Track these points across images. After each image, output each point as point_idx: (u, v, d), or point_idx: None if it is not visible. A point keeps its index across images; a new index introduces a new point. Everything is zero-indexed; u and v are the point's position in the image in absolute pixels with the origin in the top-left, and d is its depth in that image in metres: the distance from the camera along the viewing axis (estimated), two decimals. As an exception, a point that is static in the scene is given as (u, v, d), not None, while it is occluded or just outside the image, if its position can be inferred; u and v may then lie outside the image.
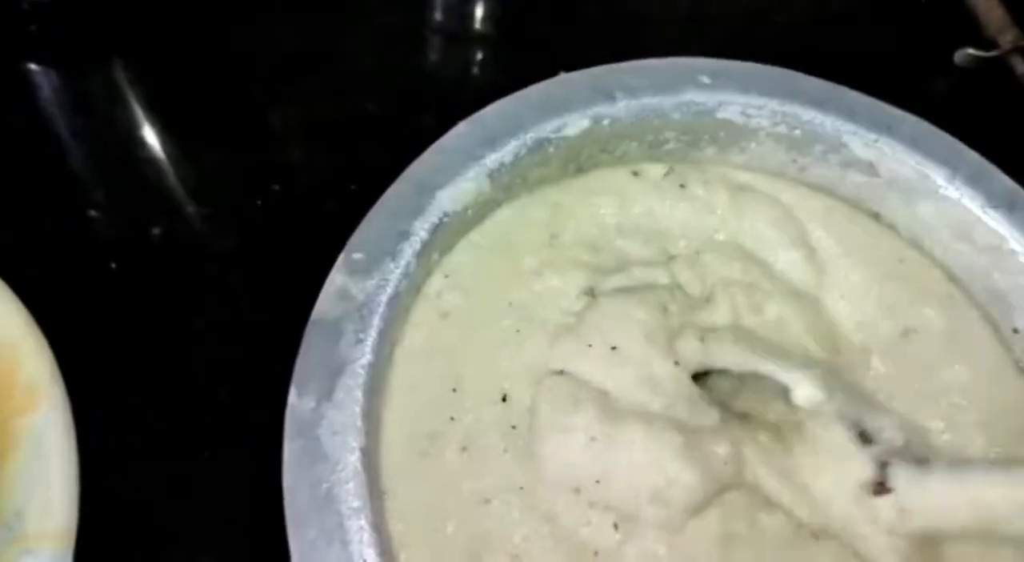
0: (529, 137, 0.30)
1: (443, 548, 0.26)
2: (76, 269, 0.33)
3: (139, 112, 0.38)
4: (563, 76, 0.32)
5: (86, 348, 0.29)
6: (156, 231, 0.35)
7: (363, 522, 0.24)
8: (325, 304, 0.27)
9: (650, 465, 0.27)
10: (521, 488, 0.27)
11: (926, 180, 0.32)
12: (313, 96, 0.39)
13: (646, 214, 0.33)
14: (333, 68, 0.40)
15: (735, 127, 0.33)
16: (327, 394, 0.26)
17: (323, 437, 0.25)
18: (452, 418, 0.27)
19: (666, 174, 0.34)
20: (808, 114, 0.33)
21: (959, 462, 0.28)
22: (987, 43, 0.42)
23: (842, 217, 0.34)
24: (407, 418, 0.27)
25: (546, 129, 0.31)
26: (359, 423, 0.25)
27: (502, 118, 0.31)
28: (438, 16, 0.42)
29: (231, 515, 0.29)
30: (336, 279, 0.27)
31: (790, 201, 0.34)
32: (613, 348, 0.29)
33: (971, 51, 0.41)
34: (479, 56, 0.42)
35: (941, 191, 0.32)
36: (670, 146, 0.34)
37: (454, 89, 0.40)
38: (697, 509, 0.27)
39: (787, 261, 0.32)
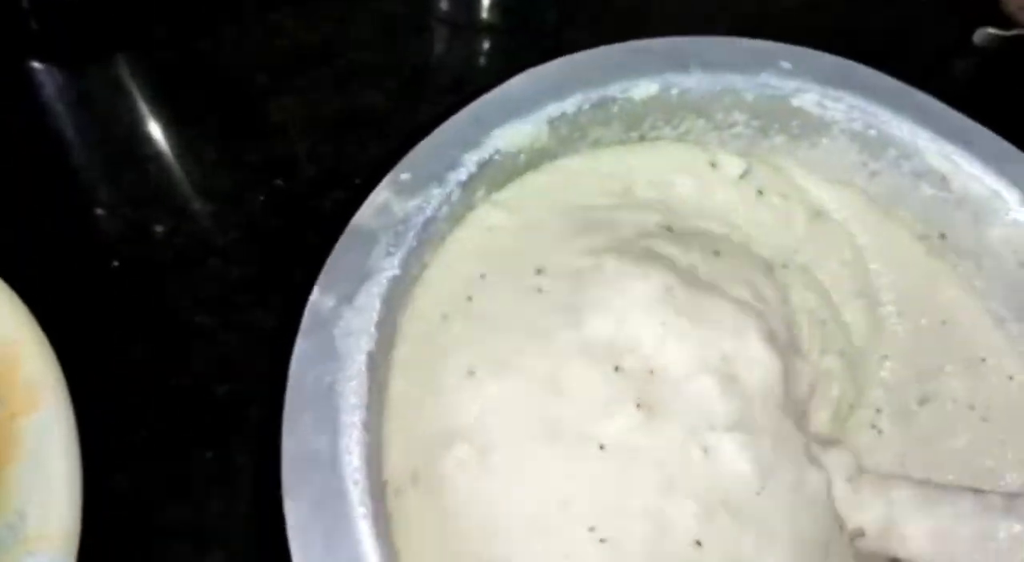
0: (594, 93, 0.31)
1: (416, 437, 0.26)
2: (78, 267, 0.34)
3: (141, 108, 0.38)
4: (639, 42, 0.32)
5: (88, 347, 0.30)
6: (159, 228, 0.35)
7: (356, 419, 0.24)
8: (365, 215, 0.28)
9: (734, 332, 0.26)
10: (529, 358, 0.25)
11: (997, 200, 0.31)
12: (317, 89, 0.38)
13: (729, 208, 0.33)
14: (337, 60, 0.39)
15: (809, 117, 0.32)
16: (348, 297, 0.26)
17: (337, 336, 0.26)
18: (469, 298, 0.28)
19: (743, 174, 0.33)
20: (885, 114, 0.32)
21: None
22: (1007, 22, 0.40)
23: (909, 261, 0.33)
24: (423, 311, 0.28)
25: (613, 88, 0.31)
26: (372, 329, 0.26)
27: (571, 70, 0.31)
28: (444, 5, 0.42)
29: (233, 514, 0.30)
30: (380, 194, 0.28)
31: (862, 233, 0.33)
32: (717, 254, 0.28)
33: (991, 30, 0.40)
34: (485, 46, 0.41)
35: (1012, 214, 0.31)
36: (738, 129, 0.33)
37: (460, 80, 0.39)
38: (761, 402, 0.25)
39: (852, 310, 0.32)
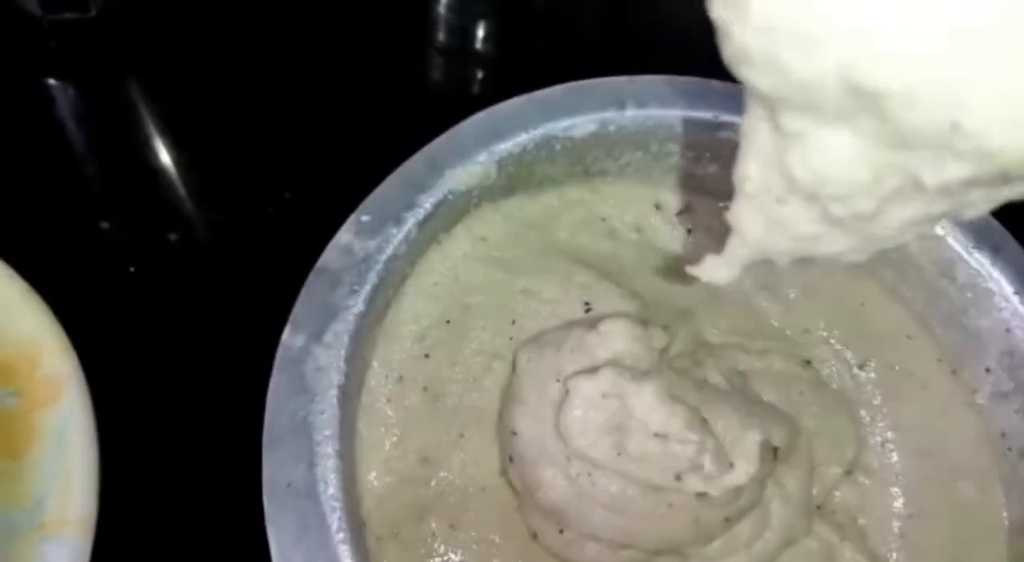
0: (538, 133, 0.33)
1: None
2: (97, 273, 0.36)
3: (155, 124, 0.41)
4: (581, 82, 0.34)
5: (107, 346, 0.31)
6: (172, 237, 0.37)
7: (330, 449, 0.26)
8: (330, 256, 0.30)
9: None
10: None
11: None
12: (323, 110, 0.41)
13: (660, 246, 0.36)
14: (342, 84, 0.42)
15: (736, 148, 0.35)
16: (317, 335, 0.28)
17: (307, 373, 0.28)
18: (448, 321, 0.31)
19: (679, 212, 0.36)
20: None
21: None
22: None
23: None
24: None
25: (556, 128, 0.33)
26: (342, 364, 0.28)
27: (517, 112, 0.33)
28: (441, 36, 0.45)
29: (245, 507, 0.29)
30: (343, 237, 0.30)
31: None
32: None
33: None
34: (480, 74, 0.44)
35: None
36: (674, 160, 0.36)
37: (459, 105, 0.40)
38: None
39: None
